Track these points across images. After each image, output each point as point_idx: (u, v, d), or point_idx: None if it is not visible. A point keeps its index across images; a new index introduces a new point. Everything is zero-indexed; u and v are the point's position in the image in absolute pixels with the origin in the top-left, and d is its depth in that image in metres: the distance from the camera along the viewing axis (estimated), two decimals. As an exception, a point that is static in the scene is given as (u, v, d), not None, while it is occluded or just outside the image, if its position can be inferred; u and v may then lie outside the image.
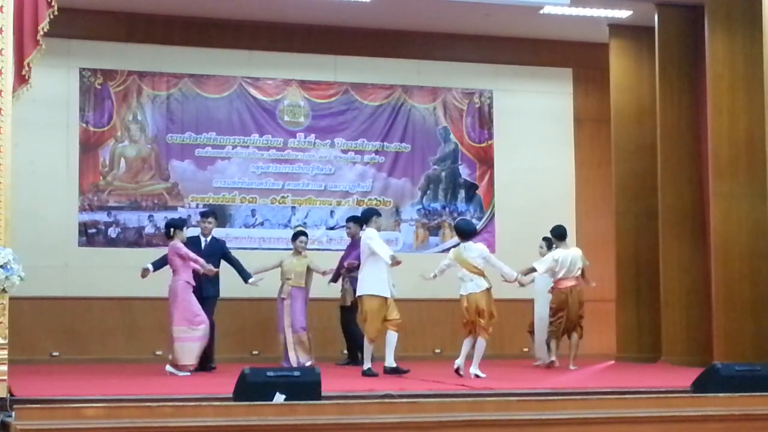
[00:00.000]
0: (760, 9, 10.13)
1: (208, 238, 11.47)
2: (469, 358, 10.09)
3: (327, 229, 13.84)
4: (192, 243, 11.15)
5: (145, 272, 11.03)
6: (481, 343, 10.04)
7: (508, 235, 14.12)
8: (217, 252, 11.38)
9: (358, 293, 10.51)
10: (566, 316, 11.72)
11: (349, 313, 12.03)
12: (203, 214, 11.71)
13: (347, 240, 12.51)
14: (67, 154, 13.15)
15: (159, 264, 11.08)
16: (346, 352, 12.41)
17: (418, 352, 12.40)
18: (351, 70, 14.15)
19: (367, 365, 10.22)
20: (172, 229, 10.92)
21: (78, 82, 13.27)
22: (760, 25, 10.27)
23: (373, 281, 10.26)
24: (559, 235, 11.95)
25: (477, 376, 9.81)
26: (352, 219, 12.49)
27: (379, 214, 10.95)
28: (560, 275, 11.74)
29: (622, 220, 13.60)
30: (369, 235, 10.42)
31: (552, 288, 11.94)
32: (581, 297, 11.87)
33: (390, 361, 10.30)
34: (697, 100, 12.72)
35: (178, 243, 10.83)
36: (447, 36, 14.21)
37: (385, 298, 10.27)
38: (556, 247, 11.92)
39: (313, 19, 13.57)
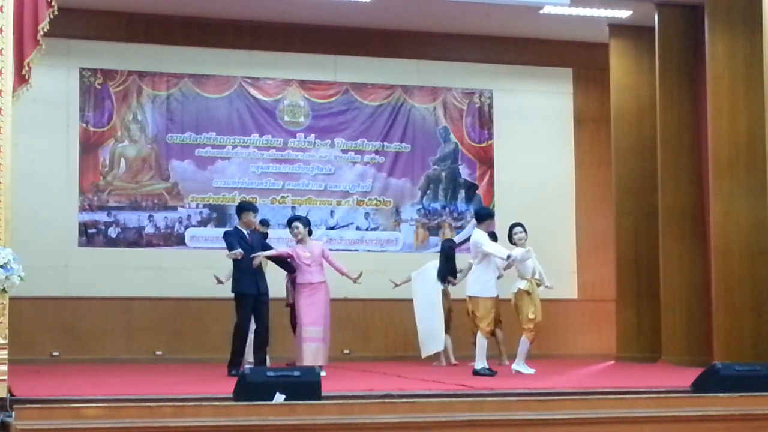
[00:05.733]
0: (760, 9, 10.12)
1: (249, 230, 10.59)
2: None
3: (327, 229, 13.83)
4: (237, 235, 10.38)
5: (258, 260, 10.22)
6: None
7: (508, 234, 14.11)
8: (263, 244, 10.67)
9: (469, 293, 10.26)
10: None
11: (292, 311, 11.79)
12: (252, 208, 10.76)
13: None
14: (67, 154, 13.16)
15: (280, 263, 10.62)
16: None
17: (418, 351, 12.36)
18: (351, 70, 14.15)
19: (481, 364, 10.03)
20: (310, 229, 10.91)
21: (78, 82, 13.28)
22: (760, 25, 10.26)
23: (485, 283, 10.17)
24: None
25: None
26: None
27: (493, 216, 11.15)
28: None
29: (622, 220, 13.61)
30: (480, 240, 10.23)
31: None
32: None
33: (480, 364, 10.11)
34: (697, 100, 12.73)
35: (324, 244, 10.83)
36: (447, 36, 14.21)
37: (495, 298, 10.33)
38: None
39: (313, 19, 13.57)
